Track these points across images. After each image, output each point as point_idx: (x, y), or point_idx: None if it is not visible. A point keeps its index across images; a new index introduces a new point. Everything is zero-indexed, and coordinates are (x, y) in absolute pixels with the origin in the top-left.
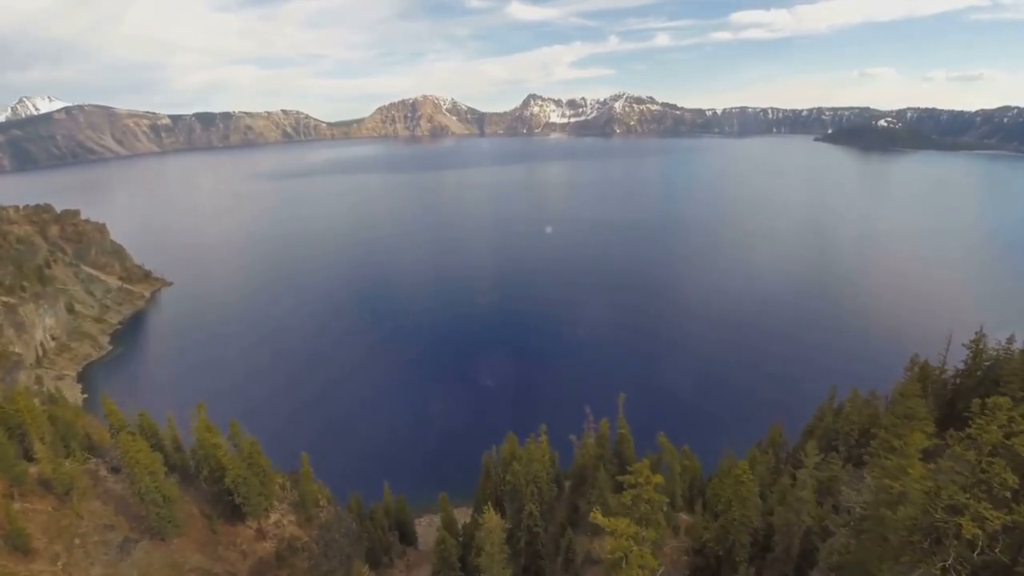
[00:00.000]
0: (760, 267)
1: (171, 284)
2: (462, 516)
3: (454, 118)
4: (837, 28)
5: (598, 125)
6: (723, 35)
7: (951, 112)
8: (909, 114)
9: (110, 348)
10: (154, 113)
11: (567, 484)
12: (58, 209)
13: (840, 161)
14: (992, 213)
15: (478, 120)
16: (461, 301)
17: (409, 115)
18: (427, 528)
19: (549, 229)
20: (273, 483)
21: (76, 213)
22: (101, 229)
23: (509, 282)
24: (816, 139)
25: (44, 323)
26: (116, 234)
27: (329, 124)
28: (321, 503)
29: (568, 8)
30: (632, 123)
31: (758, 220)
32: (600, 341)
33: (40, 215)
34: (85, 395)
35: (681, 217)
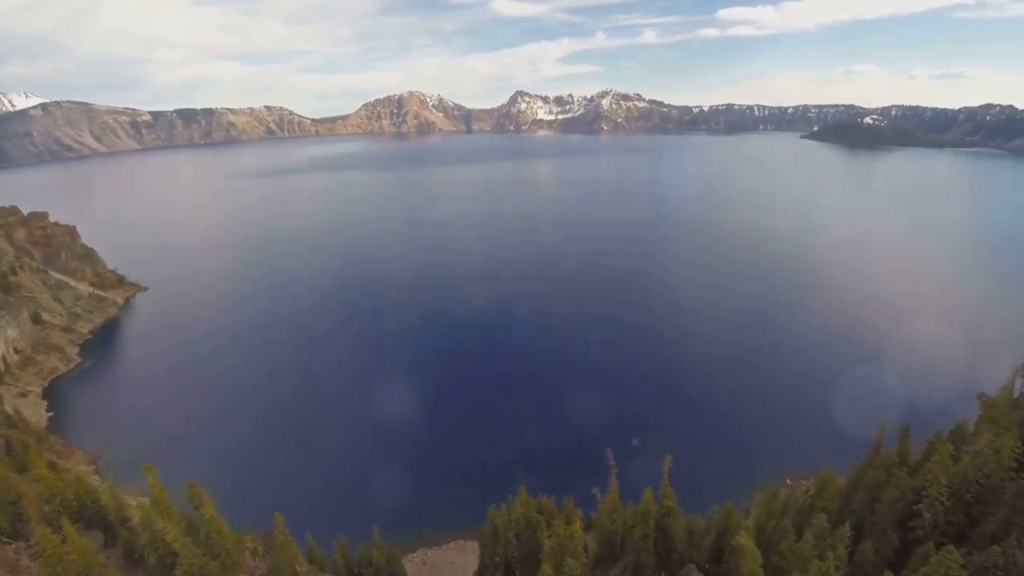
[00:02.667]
0: (764, 271)
1: (146, 289)
2: (458, 554)
3: (440, 115)
4: (825, 26)
5: (585, 122)
6: (710, 32)
7: (934, 110)
8: (894, 111)
9: (79, 361)
10: (134, 109)
11: (590, 550)
12: (28, 210)
13: (829, 159)
14: (995, 210)
15: (465, 117)
16: (453, 304)
17: (395, 111)
18: (419, 567)
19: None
20: (241, 553)
21: (44, 215)
22: (71, 232)
23: (504, 288)
24: (802, 136)
25: (6, 335)
26: (90, 236)
27: (314, 120)
28: (300, 569)
29: (553, 4)
30: (619, 120)
31: (758, 221)
32: (606, 350)
33: (6, 218)
34: (50, 413)
35: (680, 218)
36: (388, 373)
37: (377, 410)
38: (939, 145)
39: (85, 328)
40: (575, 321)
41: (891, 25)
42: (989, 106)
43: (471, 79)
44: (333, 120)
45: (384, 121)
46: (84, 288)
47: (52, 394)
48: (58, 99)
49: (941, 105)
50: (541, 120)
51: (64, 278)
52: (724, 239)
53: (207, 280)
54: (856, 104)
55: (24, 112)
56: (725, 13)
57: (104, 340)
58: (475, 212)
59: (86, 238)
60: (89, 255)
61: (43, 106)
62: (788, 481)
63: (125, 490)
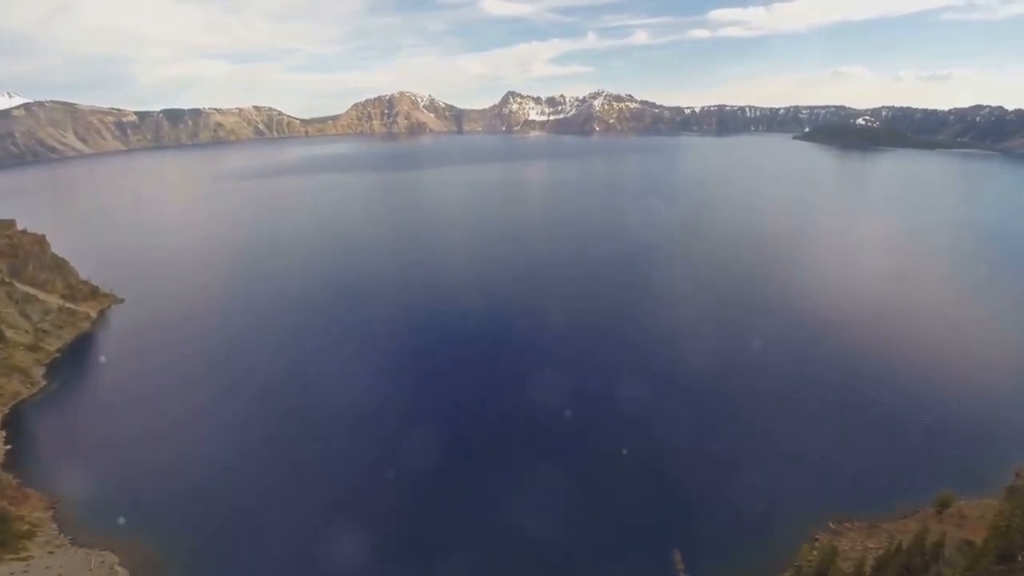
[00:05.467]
0: (778, 281)
1: (122, 301)
2: None
3: (432, 115)
4: (815, 27)
5: (577, 123)
6: (701, 33)
7: (925, 111)
8: (884, 112)
9: (44, 384)
10: (119, 110)
11: None
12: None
13: (824, 160)
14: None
15: (456, 117)
16: (451, 321)
17: (386, 112)
18: None
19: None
20: None
21: (11, 224)
22: (41, 241)
23: (503, 295)
24: (795, 137)
25: None
26: (64, 243)
27: (303, 120)
28: None
29: (543, 4)
30: (611, 121)
31: (771, 228)
32: (614, 362)
33: None
34: (9, 446)
35: (687, 222)
36: (384, 399)
37: (372, 447)
38: (931, 146)
39: (53, 346)
40: (575, 333)
41: (879, 27)
42: (979, 107)
43: (462, 79)
44: (323, 120)
45: (375, 121)
46: (54, 301)
47: (12, 423)
48: (41, 99)
49: (928, 106)
50: (533, 121)
51: (32, 291)
52: (733, 246)
53: (189, 289)
54: (846, 105)
55: (7, 112)
56: (716, 14)
57: (74, 359)
58: (469, 214)
59: (59, 245)
60: (60, 265)
61: (26, 106)
62: (831, 524)
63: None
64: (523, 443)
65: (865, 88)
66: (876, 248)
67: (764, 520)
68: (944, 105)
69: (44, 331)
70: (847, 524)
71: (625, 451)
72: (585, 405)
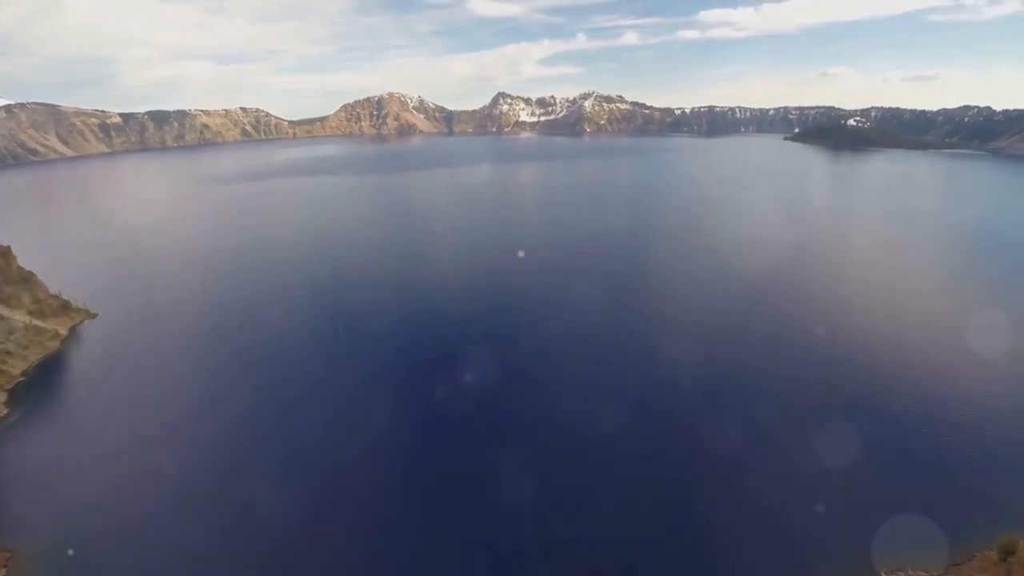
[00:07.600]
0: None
1: (96, 316)
2: None
3: (421, 116)
4: (804, 27)
5: (568, 124)
6: (690, 34)
7: (913, 111)
8: (873, 113)
9: (5, 412)
10: (103, 111)
11: None
12: None
13: (818, 160)
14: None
15: (446, 118)
16: (449, 339)
17: (375, 113)
18: None
19: (521, 254)
20: None
21: None
22: (5, 253)
23: (497, 302)
24: (786, 138)
25: None
26: (32, 255)
27: (291, 122)
28: None
29: (531, 4)
30: (602, 122)
31: (775, 231)
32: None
33: None
34: None
35: (694, 226)
36: (380, 420)
37: (368, 480)
38: (921, 147)
39: (17, 368)
40: (575, 335)
41: (867, 28)
42: (967, 108)
43: (451, 80)
44: (311, 122)
45: (364, 123)
46: (20, 318)
47: None
48: (23, 100)
49: (914, 106)
50: (523, 122)
51: None
52: (750, 257)
53: (169, 303)
54: (835, 106)
55: None
56: (705, 15)
57: (40, 383)
58: (464, 218)
59: (28, 256)
60: (27, 279)
61: (6, 108)
62: (884, 574)
63: None
64: (522, 464)
65: (852, 89)
66: (909, 261)
67: (806, 569)
68: (930, 105)
69: (8, 352)
70: (901, 574)
71: (641, 490)
72: (594, 428)
